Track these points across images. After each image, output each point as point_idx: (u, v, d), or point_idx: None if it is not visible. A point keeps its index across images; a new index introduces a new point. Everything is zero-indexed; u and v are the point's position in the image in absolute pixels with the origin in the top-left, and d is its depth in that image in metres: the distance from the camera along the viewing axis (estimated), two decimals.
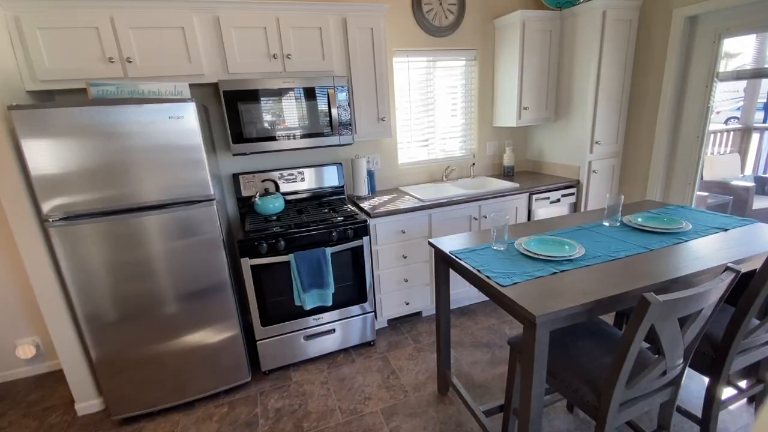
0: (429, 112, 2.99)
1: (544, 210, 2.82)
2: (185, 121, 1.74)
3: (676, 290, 1.31)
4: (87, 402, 2.03)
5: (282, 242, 2.05)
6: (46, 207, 1.63)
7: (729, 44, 2.30)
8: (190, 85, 2.23)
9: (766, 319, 1.37)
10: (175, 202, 1.81)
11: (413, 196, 2.62)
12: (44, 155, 1.58)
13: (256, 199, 2.25)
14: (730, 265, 1.13)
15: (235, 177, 2.43)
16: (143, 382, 1.93)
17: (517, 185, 2.71)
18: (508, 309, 1.28)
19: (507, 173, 3.15)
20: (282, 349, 2.24)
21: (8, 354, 2.33)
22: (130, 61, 1.91)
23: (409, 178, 3.03)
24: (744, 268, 1.41)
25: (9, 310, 2.27)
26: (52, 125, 1.56)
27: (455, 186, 2.94)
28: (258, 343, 2.18)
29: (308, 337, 2.27)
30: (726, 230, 1.67)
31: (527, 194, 2.71)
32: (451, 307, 2.89)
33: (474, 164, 3.18)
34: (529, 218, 2.80)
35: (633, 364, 1.14)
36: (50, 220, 1.65)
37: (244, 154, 2.15)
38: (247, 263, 2.03)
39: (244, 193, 2.45)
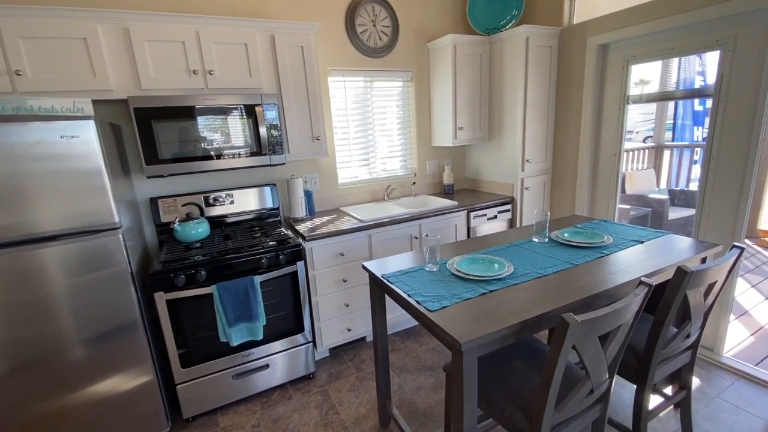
0: (368, 132, 2.96)
1: (483, 227, 2.86)
2: (81, 142, 1.54)
3: (598, 305, 1.32)
4: None
5: (203, 272, 1.86)
6: None
7: (641, 71, 2.52)
8: (100, 102, 2.02)
9: (683, 327, 1.42)
10: (74, 232, 1.58)
11: (353, 217, 2.54)
12: None
13: (176, 225, 2.05)
14: (643, 279, 1.15)
15: (154, 201, 2.21)
16: None
17: (455, 203, 2.73)
18: (438, 335, 1.21)
19: (447, 191, 3.18)
20: (207, 391, 2.01)
21: None
22: (19, 74, 1.69)
23: (350, 198, 2.95)
24: (659, 279, 1.47)
25: None
26: None
27: (396, 205, 2.91)
28: (178, 387, 1.94)
29: (237, 376, 2.06)
30: (642, 242, 1.76)
31: (465, 212, 2.74)
32: (397, 329, 2.80)
33: (415, 183, 3.18)
34: (468, 235, 2.82)
35: (561, 384, 1.11)
36: None
37: (161, 176, 1.96)
38: (162, 298, 1.81)
39: (164, 219, 2.23)
